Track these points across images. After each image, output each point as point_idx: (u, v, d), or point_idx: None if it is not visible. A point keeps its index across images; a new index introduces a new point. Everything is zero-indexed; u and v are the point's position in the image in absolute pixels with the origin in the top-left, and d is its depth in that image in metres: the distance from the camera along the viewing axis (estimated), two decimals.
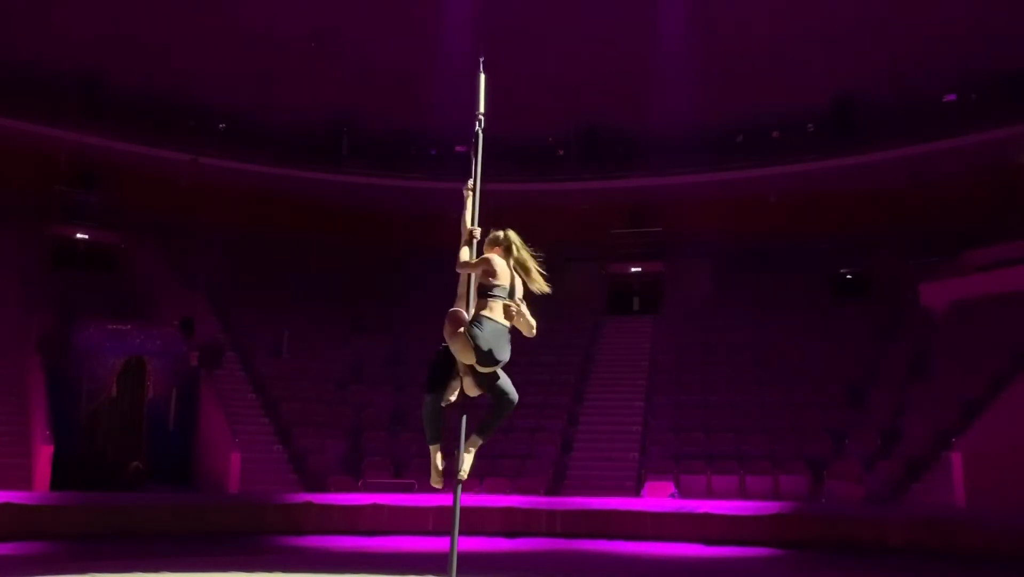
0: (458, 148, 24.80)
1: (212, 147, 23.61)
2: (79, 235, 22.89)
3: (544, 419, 19.93)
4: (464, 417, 5.38)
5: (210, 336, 20.08)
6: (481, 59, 6.11)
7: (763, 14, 22.66)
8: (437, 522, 16.09)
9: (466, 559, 13.47)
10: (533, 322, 5.42)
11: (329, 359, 21.83)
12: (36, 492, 15.68)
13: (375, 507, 16.60)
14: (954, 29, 21.55)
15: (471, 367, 5.29)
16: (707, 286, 24.28)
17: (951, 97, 22.53)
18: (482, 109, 5.99)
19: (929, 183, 23.00)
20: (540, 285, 5.55)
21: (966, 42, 21.58)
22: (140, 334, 18.84)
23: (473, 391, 5.40)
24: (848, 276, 24.22)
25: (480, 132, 5.89)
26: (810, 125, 23.98)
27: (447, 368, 5.41)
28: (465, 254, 5.57)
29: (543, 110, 24.39)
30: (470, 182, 5.79)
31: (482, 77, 6.09)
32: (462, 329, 5.23)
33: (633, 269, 25.47)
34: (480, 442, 5.44)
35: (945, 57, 21.99)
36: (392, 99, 24.46)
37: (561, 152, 25.71)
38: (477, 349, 5.15)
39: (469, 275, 5.47)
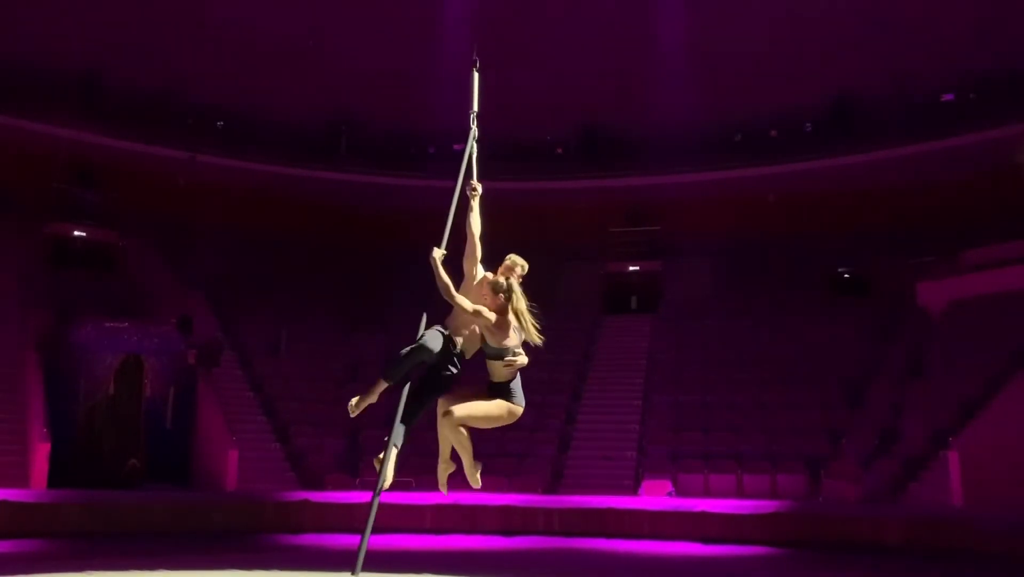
0: (456, 147, 24.79)
1: (210, 145, 23.54)
2: (77, 233, 22.81)
3: (542, 418, 19.90)
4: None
5: (208, 335, 20.06)
6: (475, 58, 6.05)
7: (762, 14, 22.64)
8: (435, 520, 16.08)
9: (464, 558, 13.53)
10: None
11: (327, 358, 21.81)
12: (33, 490, 15.70)
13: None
14: (953, 29, 21.54)
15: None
16: (705, 285, 24.26)
17: (949, 97, 22.52)
18: (475, 108, 5.91)
19: (927, 183, 22.99)
20: (533, 336, 5.51)
21: (965, 42, 21.56)
22: (138, 332, 18.83)
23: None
24: (846, 275, 24.21)
25: (474, 131, 5.80)
26: (808, 125, 23.96)
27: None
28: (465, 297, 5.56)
29: (542, 109, 24.35)
30: (474, 182, 5.73)
31: (476, 76, 6.02)
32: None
33: (631, 268, 25.44)
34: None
35: (944, 57, 21.98)
36: (390, 98, 24.40)
37: (560, 151, 25.68)
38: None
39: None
